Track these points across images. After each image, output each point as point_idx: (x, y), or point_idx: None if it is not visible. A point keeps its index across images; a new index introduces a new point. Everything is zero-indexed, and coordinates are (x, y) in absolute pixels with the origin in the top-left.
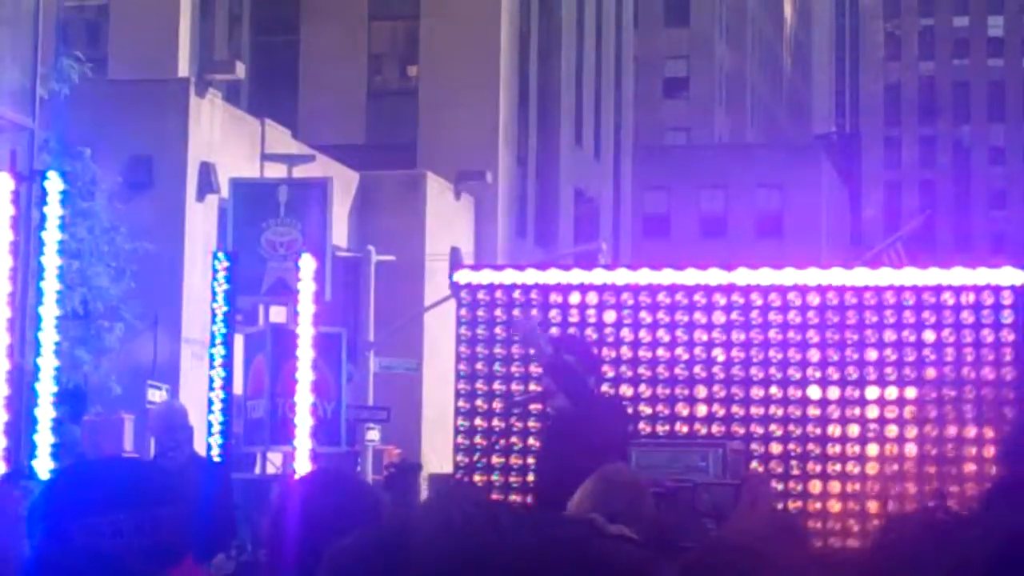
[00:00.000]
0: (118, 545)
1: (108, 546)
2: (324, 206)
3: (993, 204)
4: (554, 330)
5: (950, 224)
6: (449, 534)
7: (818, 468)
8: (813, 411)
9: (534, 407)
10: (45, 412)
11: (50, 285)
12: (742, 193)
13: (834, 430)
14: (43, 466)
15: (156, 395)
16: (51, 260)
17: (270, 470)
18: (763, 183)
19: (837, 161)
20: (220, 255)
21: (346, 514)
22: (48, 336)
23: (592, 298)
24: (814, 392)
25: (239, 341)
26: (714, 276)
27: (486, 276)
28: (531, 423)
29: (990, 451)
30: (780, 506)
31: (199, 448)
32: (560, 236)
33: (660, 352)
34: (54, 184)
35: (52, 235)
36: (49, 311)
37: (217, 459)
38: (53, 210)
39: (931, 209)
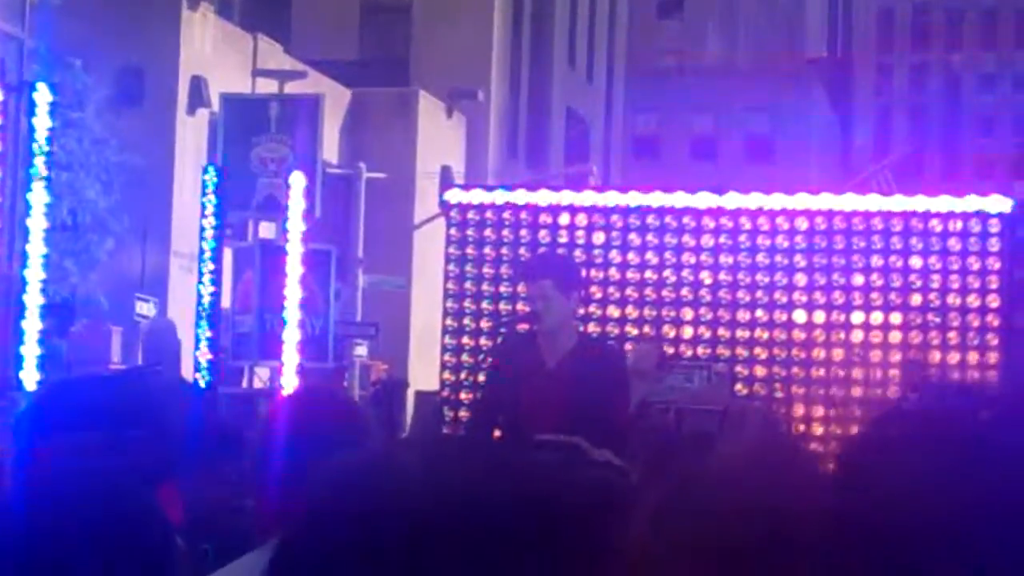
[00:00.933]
0: (86, 465)
1: (75, 466)
2: (315, 123)
3: (983, 131)
4: (542, 250)
5: (939, 150)
6: (436, 460)
7: (802, 391)
8: (798, 335)
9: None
10: (32, 324)
11: (38, 197)
12: (733, 116)
13: (819, 354)
14: (30, 377)
15: (144, 308)
16: (40, 172)
17: (257, 384)
18: (754, 107)
19: (828, 86)
20: (210, 170)
21: (332, 432)
22: (36, 248)
23: (581, 219)
24: (800, 316)
25: (228, 256)
26: (703, 199)
27: (476, 196)
28: None
29: (973, 377)
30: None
31: (188, 362)
32: (551, 157)
33: (648, 274)
34: (43, 95)
35: (41, 147)
36: (37, 223)
37: (203, 384)
38: (42, 121)
39: (920, 135)
